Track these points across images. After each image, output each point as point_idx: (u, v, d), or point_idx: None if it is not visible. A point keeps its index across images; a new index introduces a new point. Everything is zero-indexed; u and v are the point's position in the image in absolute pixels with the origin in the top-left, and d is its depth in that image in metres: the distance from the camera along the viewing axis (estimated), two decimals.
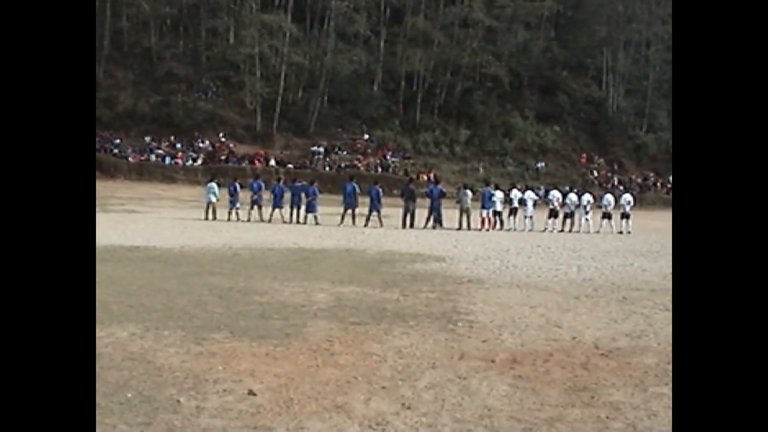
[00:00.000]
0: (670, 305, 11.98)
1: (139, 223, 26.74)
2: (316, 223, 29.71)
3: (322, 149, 65.67)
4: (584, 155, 74.10)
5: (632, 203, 32.94)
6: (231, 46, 70.60)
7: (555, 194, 32.66)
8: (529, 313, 10.87)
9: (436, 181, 33.98)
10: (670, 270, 17.02)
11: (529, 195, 32.42)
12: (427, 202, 31.10)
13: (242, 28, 68.06)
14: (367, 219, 29.99)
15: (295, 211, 30.97)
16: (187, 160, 61.40)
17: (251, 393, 6.53)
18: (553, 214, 31.48)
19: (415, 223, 29.85)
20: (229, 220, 30.63)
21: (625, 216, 31.57)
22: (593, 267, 17.40)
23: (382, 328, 9.44)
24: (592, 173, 70.61)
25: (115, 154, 58.38)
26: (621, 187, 60.61)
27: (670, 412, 6.39)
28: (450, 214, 31.02)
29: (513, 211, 31.45)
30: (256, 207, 31.73)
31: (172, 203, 44.81)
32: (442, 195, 31.02)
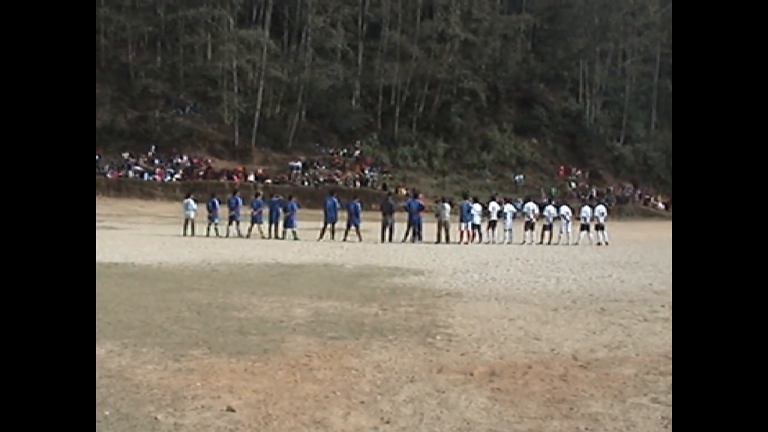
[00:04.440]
0: (648, 316, 12.04)
1: (117, 240, 26.62)
2: (295, 238, 29.67)
3: (300, 164, 65.71)
4: (562, 167, 74.45)
5: (605, 214, 33.07)
6: (209, 62, 70.58)
7: (530, 206, 32.87)
8: (507, 326, 10.87)
9: (415, 195, 33.98)
10: (648, 281, 17.12)
11: (508, 208, 32.50)
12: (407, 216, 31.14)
13: (220, 43, 68.07)
14: (346, 233, 30.00)
15: (273, 227, 30.94)
16: (166, 176, 61.22)
17: (230, 409, 6.50)
18: (529, 226, 31.59)
19: (394, 237, 29.87)
20: (207, 235, 30.57)
21: (599, 227, 31.70)
22: (571, 279, 17.43)
23: (360, 343, 9.43)
24: (570, 185, 70.92)
25: None
26: (598, 199, 60.92)
27: (649, 423, 6.42)
28: (428, 228, 31.05)
29: (492, 224, 31.51)
30: (234, 222, 31.69)
31: (150, 219, 44.65)
32: (421, 208, 31.03)
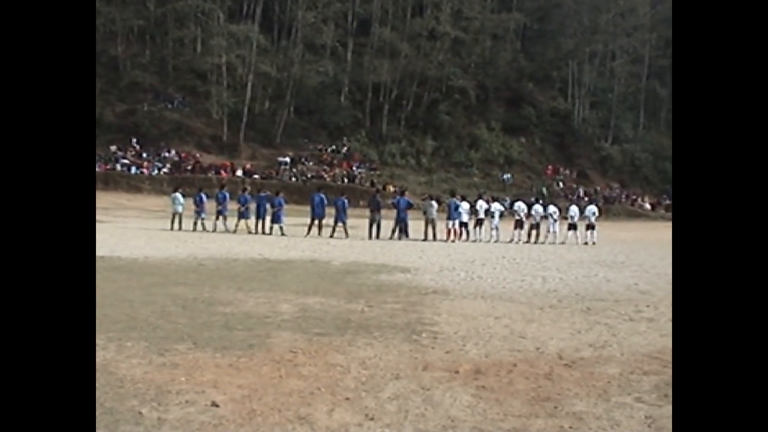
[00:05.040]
0: (633, 315, 12.07)
1: (103, 233, 26.47)
2: (282, 234, 29.63)
3: (288, 160, 65.65)
4: (550, 167, 74.64)
5: (597, 214, 33.16)
6: (198, 56, 70.46)
7: (520, 205, 32.90)
8: (493, 324, 10.88)
9: (402, 193, 33.95)
10: (634, 281, 17.17)
11: (496, 206, 32.51)
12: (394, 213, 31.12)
13: (210, 38, 67.97)
14: (333, 230, 29.97)
15: (260, 222, 30.89)
16: (153, 170, 61.05)
17: (214, 404, 6.48)
18: (519, 225, 31.62)
19: (381, 234, 29.85)
20: (194, 230, 30.49)
21: (590, 227, 31.77)
22: (558, 278, 17.46)
23: (346, 339, 9.42)
24: (557, 185, 71.10)
25: None
26: (586, 199, 61.08)
27: (632, 422, 6.44)
28: (416, 225, 31.05)
29: (479, 222, 31.52)
30: (221, 217, 31.62)
31: (137, 213, 44.52)
32: (410, 206, 31.02)
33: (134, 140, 63.80)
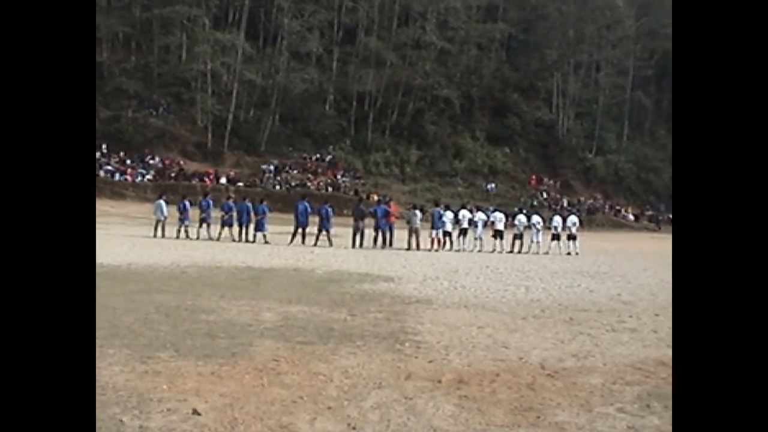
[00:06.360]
0: (616, 326, 12.10)
1: None
2: (266, 242, 29.59)
3: (272, 168, 65.58)
4: (534, 177, 74.82)
5: (578, 224, 33.31)
6: (183, 63, 70.28)
7: (498, 215, 33.07)
8: (476, 334, 10.88)
9: (386, 202, 33.91)
10: (616, 291, 17.22)
11: (479, 216, 32.58)
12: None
13: (195, 45, 67.81)
14: (317, 238, 29.94)
15: (244, 230, 30.84)
16: (137, 177, 60.83)
17: (196, 412, 6.45)
18: (498, 235, 31.70)
19: (365, 243, 29.85)
20: (177, 237, 30.41)
21: (571, 237, 31.87)
22: (541, 288, 17.49)
23: (328, 348, 9.40)
24: (541, 195, 71.26)
25: None
26: (570, 209, 61.28)
27: None
28: (400, 235, 31.06)
29: (463, 232, 31.56)
30: (205, 225, 31.55)
31: (120, 220, 44.36)
32: (387, 214, 30.93)
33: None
